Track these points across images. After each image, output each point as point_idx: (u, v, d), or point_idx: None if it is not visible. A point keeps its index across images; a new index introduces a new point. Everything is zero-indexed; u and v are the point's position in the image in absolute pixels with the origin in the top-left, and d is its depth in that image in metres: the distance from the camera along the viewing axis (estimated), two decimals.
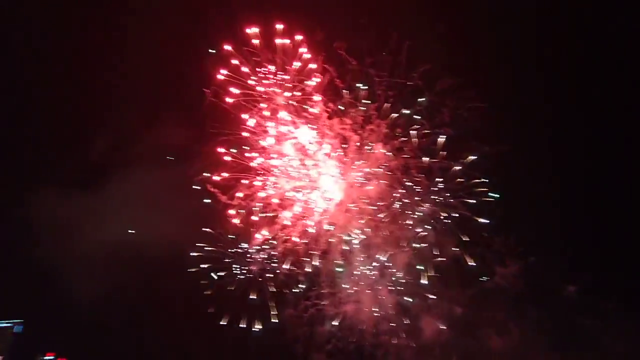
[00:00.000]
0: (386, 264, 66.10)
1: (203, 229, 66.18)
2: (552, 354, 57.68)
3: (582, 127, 61.70)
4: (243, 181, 67.08)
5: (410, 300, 64.84)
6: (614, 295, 56.84)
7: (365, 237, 66.24)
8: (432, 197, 64.98)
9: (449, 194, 64.32)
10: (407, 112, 64.42)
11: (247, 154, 66.87)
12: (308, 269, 66.20)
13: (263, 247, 67.11)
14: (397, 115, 65.12)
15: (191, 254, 65.26)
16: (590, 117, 62.75)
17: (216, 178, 66.17)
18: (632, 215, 58.68)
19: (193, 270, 64.86)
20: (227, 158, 65.77)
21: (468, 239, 63.62)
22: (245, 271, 66.46)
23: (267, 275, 66.42)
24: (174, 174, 68.02)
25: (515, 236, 62.28)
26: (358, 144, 66.30)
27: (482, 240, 63.72)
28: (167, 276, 65.76)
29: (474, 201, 63.88)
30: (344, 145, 66.90)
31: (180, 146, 67.03)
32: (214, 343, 65.05)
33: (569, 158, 61.98)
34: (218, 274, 65.11)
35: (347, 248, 66.84)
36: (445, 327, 64.09)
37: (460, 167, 63.21)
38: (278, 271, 66.17)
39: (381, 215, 65.99)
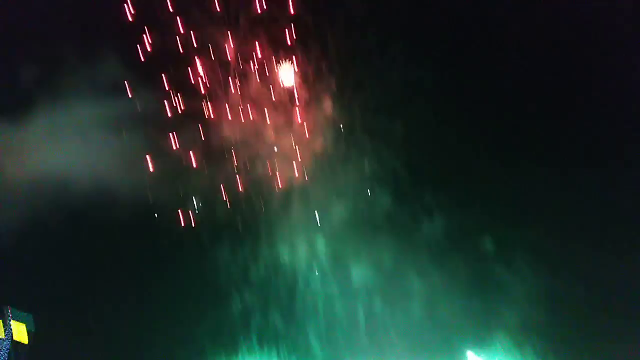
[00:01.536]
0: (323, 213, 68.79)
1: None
2: (466, 297, 63.32)
3: None
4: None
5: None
6: (523, 251, 63.42)
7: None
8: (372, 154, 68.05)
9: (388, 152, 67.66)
10: None
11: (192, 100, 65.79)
12: (247, 215, 67.58)
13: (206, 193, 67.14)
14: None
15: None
16: None
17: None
18: (547, 181, 64.34)
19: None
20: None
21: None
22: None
23: (206, 218, 66.72)
24: (109, 108, 65.19)
25: (444, 193, 67.05)
26: None
27: (413, 195, 68.11)
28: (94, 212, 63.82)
29: (405, 159, 67.63)
30: None
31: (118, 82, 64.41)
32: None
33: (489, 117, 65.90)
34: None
35: None
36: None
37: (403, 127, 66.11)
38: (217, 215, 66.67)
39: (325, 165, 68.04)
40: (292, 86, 67.31)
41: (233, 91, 67.18)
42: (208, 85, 65.75)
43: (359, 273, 66.27)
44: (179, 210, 65.92)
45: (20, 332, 58.34)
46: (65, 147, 64.24)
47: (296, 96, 67.58)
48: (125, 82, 63.42)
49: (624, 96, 60.50)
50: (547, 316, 58.44)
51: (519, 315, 59.97)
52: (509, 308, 60.61)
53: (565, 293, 57.44)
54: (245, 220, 66.84)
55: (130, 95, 64.23)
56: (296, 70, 66.88)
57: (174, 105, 65.66)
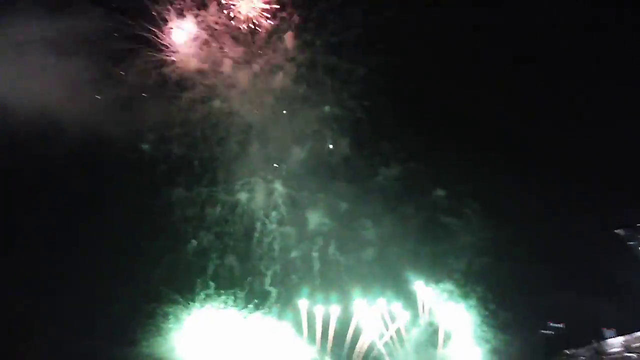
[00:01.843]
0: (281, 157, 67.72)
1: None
2: (416, 245, 66.16)
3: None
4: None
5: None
6: (470, 201, 66.51)
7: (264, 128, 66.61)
8: (333, 97, 66.74)
9: (349, 96, 66.69)
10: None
11: (146, 25, 60.57)
12: (203, 154, 64.97)
13: (156, 127, 63.58)
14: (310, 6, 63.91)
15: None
16: None
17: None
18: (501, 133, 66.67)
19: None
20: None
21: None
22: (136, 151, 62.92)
23: (159, 155, 63.82)
24: (54, 29, 58.59)
25: (401, 143, 67.87)
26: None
27: (371, 142, 68.50)
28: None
29: (367, 103, 67.17)
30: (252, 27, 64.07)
31: None
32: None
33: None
34: None
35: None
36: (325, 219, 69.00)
37: (365, 72, 65.09)
38: (172, 153, 63.91)
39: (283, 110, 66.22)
40: (254, 16, 63.90)
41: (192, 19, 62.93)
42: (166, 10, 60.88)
43: (315, 217, 67.12)
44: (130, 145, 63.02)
45: None
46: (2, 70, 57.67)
47: (257, 28, 64.37)
48: None
49: None
50: (490, 264, 62.35)
51: (464, 262, 63.73)
52: (456, 255, 64.24)
53: (509, 244, 61.07)
54: (201, 158, 64.85)
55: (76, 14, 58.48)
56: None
57: (126, 27, 60.59)
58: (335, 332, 62.11)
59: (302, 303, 62.12)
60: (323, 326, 62.13)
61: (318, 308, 62.28)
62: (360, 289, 62.94)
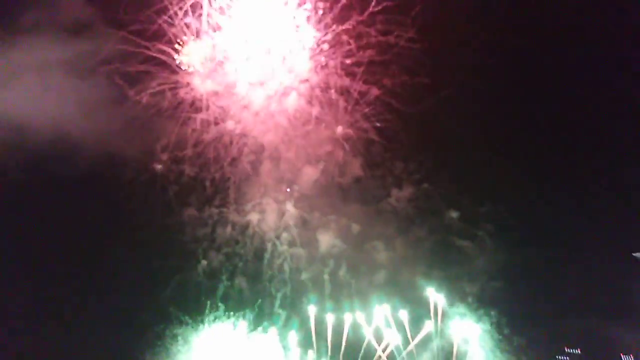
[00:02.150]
0: (293, 178, 67.72)
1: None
2: (429, 267, 65.27)
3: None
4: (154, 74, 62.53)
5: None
6: (485, 223, 65.68)
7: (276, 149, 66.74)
8: (346, 118, 66.91)
9: (362, 117, 66.81)
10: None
11: (162, 47, 61.52)
12: (215, 175, 65.21)
13: (171, 148, 64.13)
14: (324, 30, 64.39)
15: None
16: None
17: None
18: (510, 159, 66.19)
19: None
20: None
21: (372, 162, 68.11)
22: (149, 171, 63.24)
23: (172, 175, 64.23)
24: (73, 51, 59.84)
25: (414, 164, 67.71)
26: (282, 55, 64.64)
27: (384, 163, 68.41)
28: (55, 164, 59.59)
29: (379, 125, 67.06)
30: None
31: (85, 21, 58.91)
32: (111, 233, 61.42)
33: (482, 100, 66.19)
34: None
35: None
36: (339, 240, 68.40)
37: (378, 93, 65.22)
38: (184, 173, 64.26)
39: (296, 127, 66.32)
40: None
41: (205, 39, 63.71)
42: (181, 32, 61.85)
43: (327, 238, 66.64)
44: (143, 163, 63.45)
45: None
46: (23, 90, 58.79)
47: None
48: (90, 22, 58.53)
49: None
50: (503, 287, 61.17)
51: (477, 285, 62.64)
52: (470, 278, 63.18)
53: (525, 268, 59.97)
54: (214, 179, 65.11)
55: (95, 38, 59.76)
56: None
57: (143, 49, 61.51)
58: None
59: (311, 309, 61.68)
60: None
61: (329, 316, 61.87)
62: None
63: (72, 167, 59.59)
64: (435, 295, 61.94)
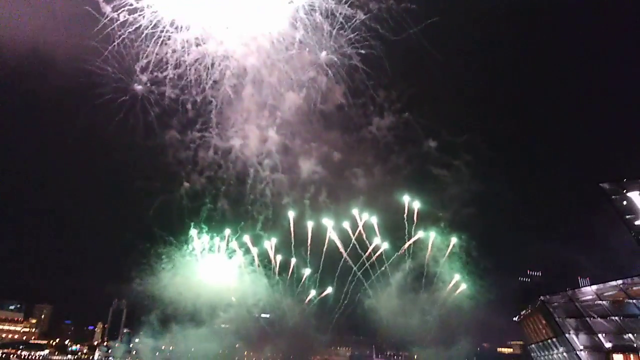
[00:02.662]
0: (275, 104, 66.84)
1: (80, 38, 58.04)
2: (405, 194, 67.03)
3: None
4: None
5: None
6: (463, 153, 67.10)
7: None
8: (331, 43, 65.18)
9: (346, 42, 65.16)
10: None
11: None
12: (197, 97, 63.91)
13: (151, 69, 61.90)
14: None
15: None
16: None
17: None
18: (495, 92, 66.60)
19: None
20: None
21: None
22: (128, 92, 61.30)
23: (152, 97, 62.59)
24: None
25: (396, 92, 67.47)
26: None
27: (367, 91, 67.87)
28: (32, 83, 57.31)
29: (364, 52, 65.86)
30: None
31: None
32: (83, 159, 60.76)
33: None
34: None
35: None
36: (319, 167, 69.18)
37: (364, 18, 63.31)
38: (165, 95, 62.69)
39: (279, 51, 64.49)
40: None
41: None
42: None
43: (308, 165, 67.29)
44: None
45: None
46: None
47: None
48: None
49: None
50: (474, 214, 63.77)
51: (450, 210, 65.09)
52: (443, 204, 65.45)
53: (494, 196, 62.30)
54: (195, 101, 63.87)
55: None
56: None
57: None
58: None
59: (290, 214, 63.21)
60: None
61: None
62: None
63: (48, 83, 57.78)
64: (409, 201, 63.99)
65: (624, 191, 51.58)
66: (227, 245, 62.70)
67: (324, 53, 65.25)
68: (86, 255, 58.72)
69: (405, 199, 63.80)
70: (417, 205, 63.40)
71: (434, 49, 63.71)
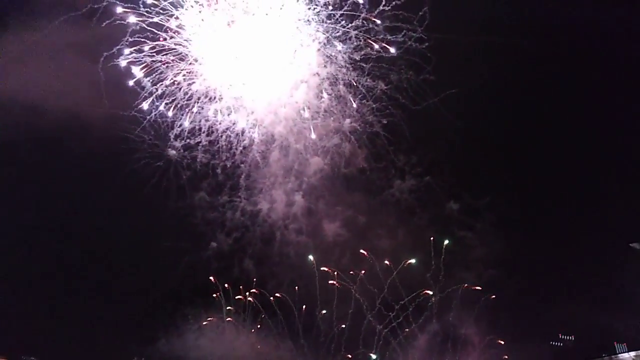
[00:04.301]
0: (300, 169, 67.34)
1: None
2: (428, 255, 64.92)
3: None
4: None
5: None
6: (484, 215, 65.43)
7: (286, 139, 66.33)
8: (354, 111, 66.46)
9: (368, 111, 66.34)
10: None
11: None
12: (227, 162, 64.89)
13: (184, 135, 63.61)
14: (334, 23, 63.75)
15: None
16: None
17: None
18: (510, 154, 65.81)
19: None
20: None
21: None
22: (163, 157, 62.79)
23: (185, 162, 63.83)
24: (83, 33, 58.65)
25: (417, 157, 67.37)
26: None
27: (388, 156, 68.06)
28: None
29: (386, 122, 66.75)
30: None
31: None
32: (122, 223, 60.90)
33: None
34: None
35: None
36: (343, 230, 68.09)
37: (385, 88, 64.81)
38: (197, 159, 63.84)
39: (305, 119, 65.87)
40: None
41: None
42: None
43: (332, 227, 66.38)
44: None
45: None
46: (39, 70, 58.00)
47: None
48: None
49: None
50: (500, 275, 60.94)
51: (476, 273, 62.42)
52: (467, 266, 62.97)
53: (523, 255, 59.66)
54: (225, 166, 64.76)
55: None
56: None
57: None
58: None
59: None
60: None
61: None
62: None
63: (87, 146, 58.97)
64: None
65: None
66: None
67: (347, 121, 66.50)
68: (111, 313, 57.11)
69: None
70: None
71: (453, 116, 64.26)
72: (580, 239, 57.93)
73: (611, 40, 60.39)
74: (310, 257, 63.93)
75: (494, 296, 60.11)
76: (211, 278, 60.79)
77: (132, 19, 57.12)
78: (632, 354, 51.85)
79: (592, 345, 57.11)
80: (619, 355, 52.57)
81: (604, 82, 60.50)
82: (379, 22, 61.09)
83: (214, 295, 59.69)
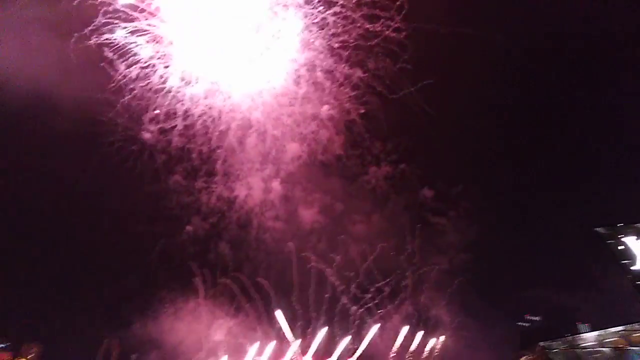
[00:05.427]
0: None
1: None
2: (402, 241, 64.86)
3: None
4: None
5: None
6: (457, 202, 65.55)
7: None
8: (333, 99, 65.29)
9: (346, 98, 65.22)
10: None
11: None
12: (203, 147, 62.91)
13: (159, 119, 61.29)
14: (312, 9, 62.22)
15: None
16: None
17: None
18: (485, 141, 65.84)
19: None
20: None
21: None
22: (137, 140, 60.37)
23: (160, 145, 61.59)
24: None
25: (392, 144, 66.82)
26: None
27: (364, 143, 67.25)
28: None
29: (364, 110, 65.88)
30: None
31: None
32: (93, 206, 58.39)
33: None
34: None
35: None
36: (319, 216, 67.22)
37: (362, 75, 63.75)
38: (172, 144, 61.70)
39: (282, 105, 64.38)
40: None
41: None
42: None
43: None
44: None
45: None
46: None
47: None
48: None
49: None
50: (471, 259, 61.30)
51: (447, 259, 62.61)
52: (439, 250, 63.12)
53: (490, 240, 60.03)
54: (201, 150, 62.81)
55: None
56: None
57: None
58: None
59: None
60: None
61: None
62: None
63: (57, 128, 55.96)
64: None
65: (620, 236, 50.00)
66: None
67: (324, 107, 65.33)
68: (86, 297, 54.98)
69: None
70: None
71: (428, 105, 63.71)
72: (548, 225, 58.82)
73: (585, 32, 60.63)
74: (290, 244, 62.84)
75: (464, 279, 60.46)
76: (189, 263, 59.46)
77: None
78: (595, 333, 52.98)
79: (557, 325, 58.19)
80: (583, 335, 53.66)
81: (573, 73, 61.03)
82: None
83: (191, 279, 58.16)
